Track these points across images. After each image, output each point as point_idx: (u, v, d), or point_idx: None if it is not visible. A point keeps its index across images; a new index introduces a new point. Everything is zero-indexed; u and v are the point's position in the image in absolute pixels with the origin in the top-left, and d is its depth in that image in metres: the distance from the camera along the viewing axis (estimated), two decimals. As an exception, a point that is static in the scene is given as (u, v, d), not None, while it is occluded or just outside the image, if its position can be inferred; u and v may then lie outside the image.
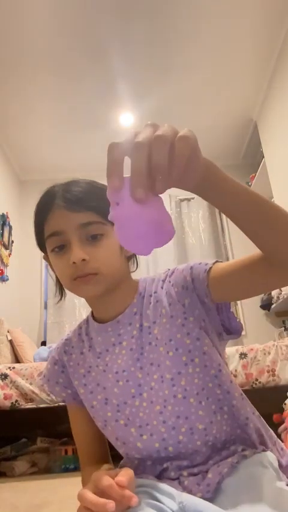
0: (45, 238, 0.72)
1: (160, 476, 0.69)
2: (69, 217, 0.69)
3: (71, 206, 0.69)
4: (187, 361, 0.69)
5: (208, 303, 0.69)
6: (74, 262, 0.67)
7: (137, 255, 0.80)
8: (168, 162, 0.42)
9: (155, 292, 0.75)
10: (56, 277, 0.78)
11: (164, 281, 0.76)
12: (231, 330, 0.72)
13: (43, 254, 0.79)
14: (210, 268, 0.68)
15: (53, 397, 2.33)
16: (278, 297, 3.29)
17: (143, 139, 0.42)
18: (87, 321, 0.83)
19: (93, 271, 0.68)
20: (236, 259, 0.65)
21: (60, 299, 0.84)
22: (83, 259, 0.67)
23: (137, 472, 0.71)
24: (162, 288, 0.75)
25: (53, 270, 0.77)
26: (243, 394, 0.74)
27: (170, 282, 0.74)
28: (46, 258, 0.78)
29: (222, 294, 0.68)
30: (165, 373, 0.69)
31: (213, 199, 0.53)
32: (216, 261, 0.70)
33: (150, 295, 0.75)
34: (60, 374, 0.81)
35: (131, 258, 0.79)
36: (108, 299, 0.74)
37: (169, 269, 0.78)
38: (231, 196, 0.52)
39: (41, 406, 2.34)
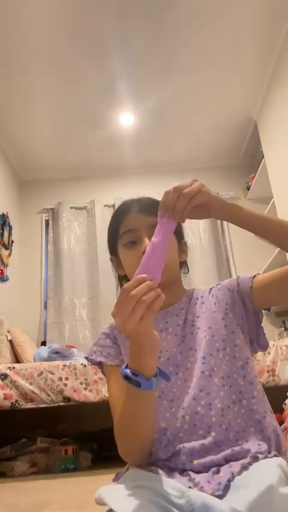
0: (120, 235, 0.89)
1: (170, 461, 0.71)
2: (142, 218, 0.87)
3: (144, 210, 0.88)
4: (219, 348, 0.79)
5: (248, 304, 0.82)
6: (144, 251, 0.78)
7: (187, 261, 1.00)
8: (185, 207, 0.70)
9: (202, 296, 0.90)
10: (118, 275, 0.96)
11: (211, 288, 0.91)
12: (259, 345, 0.84)
13: (110, 256, 0.96)
14: (255, 276, 0.84)
15: (53, 397, 2.34)
16: (278, 297, 3.29)
17: (177, 187, 0.71)
18: None
19: None
20: (278, 269, 0.81)
21: None
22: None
23: (152, 451, 0.74)
24: (209, 293, 0.90)
25: (117, 270, 0.95)
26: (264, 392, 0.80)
27: (217, 287, 0.89)
28: (113, 259, 0.95)
29: (263, 297, 0.81)
30: (199, 352, 0.80)
31: (236, 225, 0.76)
32: (258, 274, 0.85)
33: (197, 298, 0.90)
34: (112, 345, 0.90)
35: (183, 263, 0.96)
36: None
37: (219, 283, 0.92)
38: (250, 225, 0.75)
39: (41, 406, 2.34)
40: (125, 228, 0.88)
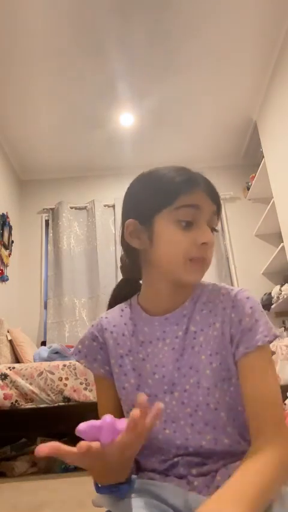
0: (178, 206, 0.70)
1: (168, 471, 0.70)
2: (208, 201, 0.72)
3: (212, 194, 0.73)
4: (225, 378, 0.70)
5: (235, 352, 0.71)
6: (204, 243, 0.69)
7: None
8: None
9: (210, 302, 0.75)
10: (127, 245, 0.77)
11: (224, 295, 0.74)
12: None
13: (128, 220, 0.75)
14: (269, 341, 0.68)
15: (53, 397, 2.34)
16: (278, 297, 3.29)
17: None
18: (130, 305, 0.82)
19: (206, 256, 0.71)
20: (253, 398, 0.66)
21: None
22: (206, 243, 0.70)
23: (147, 463, 0.73)
24: (222, 301, 0.74)
25: (130, 238, 0.75)
26: None
27: (233, 306, 0.72)
28: (132, 224, 0.75)
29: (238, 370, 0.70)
30: (203, 381, 0.70)
31: None
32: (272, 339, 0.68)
33: (204, 303, 0.76)
34: (99, 351, 0.79)
35: None
36: (170, 291, 0.75)
37: (241, 289, 0.75)
38: None
39: (41, 406, 2.34)
40: (190, 201, 0.69)
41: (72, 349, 0.90)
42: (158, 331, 0.75)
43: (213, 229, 0.74)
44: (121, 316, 0.81)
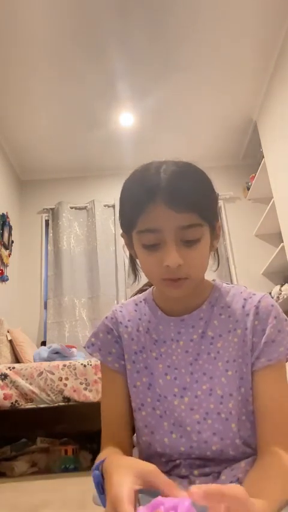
0: (137, 231, 0.66)
1: (169, 472, 0.70)
2: (170, 216, 0.62)
3: (175, 205, 0.62)
4: (237, 387, 0.69)
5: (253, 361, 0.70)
6: (167, 266, 0.64)
7: (218, 250, 0.76)
8: None
9: (229, 307, 0.73)
10: (131, 257, 0.77)
11: (246, 300, 0.73)
12: None
13: (121, 233, 0.75)
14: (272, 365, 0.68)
15: (53, 397, 2.34)
16: (278, 297, 3.29)
17: None
18: (145, 300, 0.81)
19: (184, 276, 0.66)
20: (265, 416, 0.66)
21: (134, 281, 0.80)
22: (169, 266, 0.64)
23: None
24: (243, 307, 0.72)
25: (129, 249, 0.75)
26: None
27: (256, 313, 0.71)
28: (125, 236, 0.74)
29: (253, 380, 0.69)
30: (217, 388, 0.69)
31: None
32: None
33: (222, 307, 0.74)
34: (113, 344, 0.77)
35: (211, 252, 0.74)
36: (182, 298, 0.72)
37: (264, 295, 0.73)
38: None
39: (41, 406, 2.34)
40: (146, 225, 0.64)
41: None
42: (173, 332, 0.74)
43: (191, 242, 0.64)
44: (135, 311, 0.80)
